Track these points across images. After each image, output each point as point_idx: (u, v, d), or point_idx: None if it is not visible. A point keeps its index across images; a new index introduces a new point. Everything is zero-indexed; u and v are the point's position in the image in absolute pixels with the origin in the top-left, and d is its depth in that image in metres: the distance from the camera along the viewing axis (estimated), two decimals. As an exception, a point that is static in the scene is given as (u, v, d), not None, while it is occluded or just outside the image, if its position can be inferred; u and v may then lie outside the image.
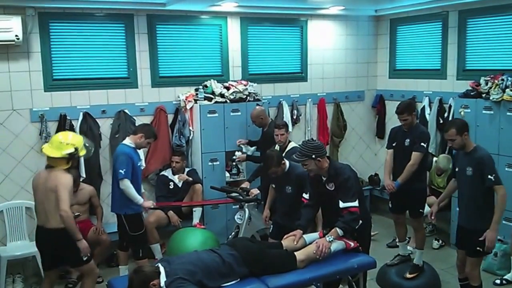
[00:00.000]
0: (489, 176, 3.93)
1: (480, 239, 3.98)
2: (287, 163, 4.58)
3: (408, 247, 5.35)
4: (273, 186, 4.83)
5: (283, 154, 5.20)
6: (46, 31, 5.37)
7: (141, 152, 5.20)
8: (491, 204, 4.03)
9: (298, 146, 5.27)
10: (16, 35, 4.98)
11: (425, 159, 5.01)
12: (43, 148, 4.07)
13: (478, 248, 4.05)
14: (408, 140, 4.83)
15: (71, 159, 3.98)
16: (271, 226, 4.91)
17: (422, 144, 4.74)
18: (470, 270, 4.18)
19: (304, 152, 3.94)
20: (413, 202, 4.93)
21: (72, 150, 3.94)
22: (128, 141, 4.78)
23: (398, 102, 6.75)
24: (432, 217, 4.45)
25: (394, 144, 4.98)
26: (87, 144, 4.21)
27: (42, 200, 3.99)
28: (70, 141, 3.99)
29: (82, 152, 4.07)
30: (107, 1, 5.37)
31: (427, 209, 5.30)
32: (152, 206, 5.00)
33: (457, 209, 4.37)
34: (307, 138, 6.58)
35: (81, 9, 5.48)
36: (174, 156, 5.80)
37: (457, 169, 4.25)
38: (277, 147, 5.28)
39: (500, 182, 3.96)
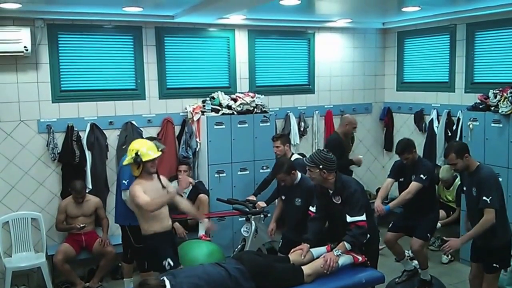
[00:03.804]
0: (484, 198, 3.88)
1: (444, 238, 3.99)
2: (299, 175, 4.54)
3: (413, 263, 5.28)
4: (283, 197, 4.78)
5: None
6: (55, 43, 5.40)
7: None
8: (502, 221, 3.98)
9: (301, 157, 5.28)
10: (25, 47, 5.01)
11: (433, 191, 4.97)
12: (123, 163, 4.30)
13: (494, 265, 4.01)
14: (414, 176, 4.79)
15: (139, 164, 4.05)
16: (281, 240, 4.86)
17: (421, 176, 4.68)
18: (488, 287, 4.11)
19: (313, 159, 3.93)
20: (424, 225, 4.82)
21: (133, 155, 4.03)
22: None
23: (406, 115, 6.75)
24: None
25: (401, 180, 4.93)
26: (157, 144, 4.28)
27: None
28: (133, 146, 4.11)
29: (147, 156, 4.05)
30: (116, 13, 5.39)
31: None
32: None
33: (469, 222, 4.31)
34: (314, 151, 6.56)
35: (90, 21, 5.51)
36: (181, 165, 5.78)
37: (464, 188, 4.22)
38: None
39: (493, 206, 3.88)
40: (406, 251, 5.22)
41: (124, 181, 4.56)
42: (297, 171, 4.54)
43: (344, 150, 5.90)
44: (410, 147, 4.82)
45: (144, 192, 4.05)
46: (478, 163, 4.08)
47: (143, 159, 4.03)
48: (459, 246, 4.03)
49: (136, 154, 4.03)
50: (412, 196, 4.65)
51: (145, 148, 4.08)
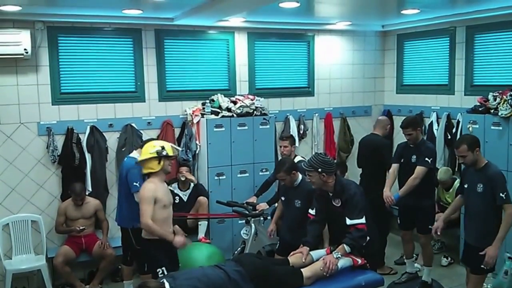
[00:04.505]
0: (501, 194, 3.90)
1: (480, 253, 3.94)
2: (300, 176, 4.53)
3: (416, 264, 5.29)
4: (282, 198, 4.78)
5: None
6: (55, 45, 5.41)
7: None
8: (500, 222, 3.98)
9: (304, 160, 5.28)
10: (25, 49, 5.02)
11: (432, 175, 4.97)
12: (138, 160, 4.30)
13: (482, 266, 4.00)
14: (414, 157, 4.81)
15: (161, 158, 4.10)
16: (278, 242, 4.86)
17: (427, 159, 4.70)
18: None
19: (311, 163, 3.93)
20: (423, 218, 4.89)
21: (158, 148, 4.11)
22: (137, 154, 4.73)
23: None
24: (438, 233, 4.40)
25: (402, 161, 4.96)
26: (173, 146, 4.37)
27: None
28: (155, 143, 4.21)
29: (170, 152, 4.18)
30: (115, 15, 5.40)
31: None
32: None
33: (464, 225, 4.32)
34: (313, 153, 6.57)
35: (90, 24, 5.52)
36: (182, 166, 5.78)
37: (466, 186, 4.20)
38: None
39: (510, 201, 3.92)
40: (415, 254, 5.25)
41: (135, 183, 4.52)
42: (298, 172, 4.53)
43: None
44: (416, 123, 4.85)
45: (157, 194, 4.05)
46: (487, 161, 4.08)
47: (168, 153, 4.13)
48: (496, 252, 3.94)
49: (162, 147, 4.12)
50: (420, 181, 4.67)
51: (169, 146, 4.23)
